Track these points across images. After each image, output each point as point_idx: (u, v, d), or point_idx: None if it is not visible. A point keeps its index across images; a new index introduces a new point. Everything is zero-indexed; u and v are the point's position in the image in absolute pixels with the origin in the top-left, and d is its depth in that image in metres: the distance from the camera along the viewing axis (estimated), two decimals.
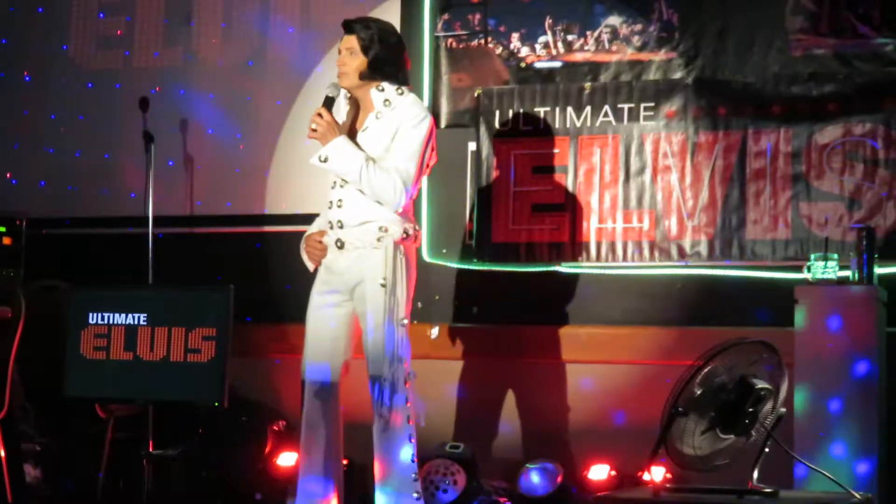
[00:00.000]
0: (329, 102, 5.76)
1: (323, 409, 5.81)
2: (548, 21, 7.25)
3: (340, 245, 5.74)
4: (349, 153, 5.65)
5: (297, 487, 5.86)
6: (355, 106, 5.87)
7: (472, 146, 7.30)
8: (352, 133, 5.79)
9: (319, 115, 5.69)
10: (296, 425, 7.29)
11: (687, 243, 6.89)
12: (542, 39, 7.26)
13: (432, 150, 5.81)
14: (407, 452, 5.71)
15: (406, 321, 5.68)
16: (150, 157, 7.14)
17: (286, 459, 7.11)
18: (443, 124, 7.35)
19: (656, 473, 5.62)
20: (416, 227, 5.78)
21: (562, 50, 7.23)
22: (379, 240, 5.65)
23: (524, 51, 7.29)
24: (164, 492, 6.64)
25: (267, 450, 7.03)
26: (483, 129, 7.25)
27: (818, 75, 6.74)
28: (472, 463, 6.85)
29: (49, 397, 6.69)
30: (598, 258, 7.02)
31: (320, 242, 5.82)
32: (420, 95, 7.35)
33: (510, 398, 7.15)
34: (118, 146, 7.86)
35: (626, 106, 7.06)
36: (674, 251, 6.91)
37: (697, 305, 6.87)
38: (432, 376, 7.26)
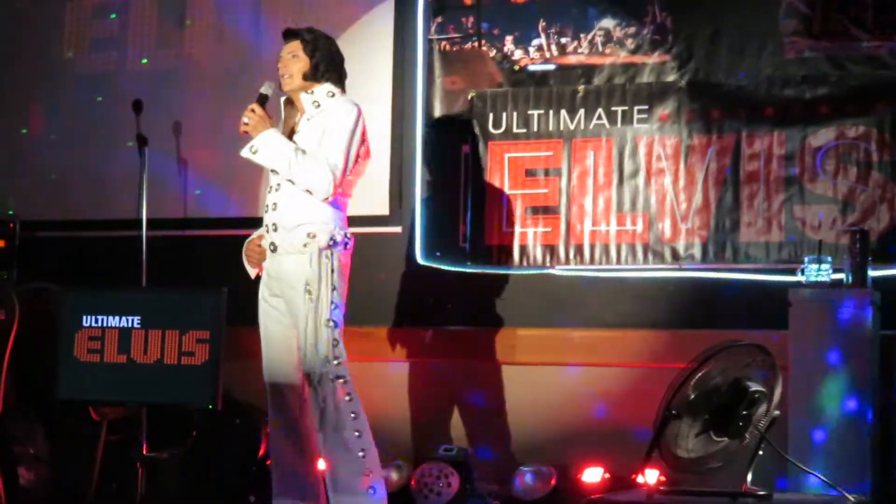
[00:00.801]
0: (262, 99, 5.82)
1: (288, 414, 5.81)
2: (541, 24, 7.25)
3: (273, 248, 5.79)
4: (278, 144, 5.70)
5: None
6: (294, 110, 5.93)
7: (465, 149, 7.30)
8: (289, 137, 5.83)
9: (252, 110, 5.75)
10: None
11: (681, 246, 6.90)
12: (535, 42, 7.26)
13: (363, 142, 5.81)
14: (350, 449, 5.68)
15: (332, 323, 5.66)
16: (144, 159, 7.13)
17: None
18: (436, 127, 7.34)
19: (650, 476, 5.61)
20: (348, 234, 5.80)
21: (555, 53, 7.23)
22: (305, 245, 5.69)
23: (518, 54, 7.29)
24: (157, 494, 6.63)
25: (260, 452, 7.02)
26: (477, 132, 7.25)
27: (811, 78, 6.74)
28: (465, 466, 6.85)
29: (42, 400, 6.68)
30: (592, 261, 7.02)
31: (259, 246, 5.86)
32: (413, 98, 7.38)
33: (503, 400, 7.14)
34: (112, 149, 7.85)
35: (619, 109, 7.06)
36: (667, 254, 6.91)
37: (691, 308, 6.86)
38: (425, 379, 7.28)
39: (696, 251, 6.86)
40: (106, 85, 8.02)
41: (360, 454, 5.68)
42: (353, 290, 7.31)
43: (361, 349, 7.28)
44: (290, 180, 5.70)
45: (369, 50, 7.52)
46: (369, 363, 7.31)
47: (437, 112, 7.39)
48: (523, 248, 7.14)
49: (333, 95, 5.83)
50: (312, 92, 5.82)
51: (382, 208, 7.42)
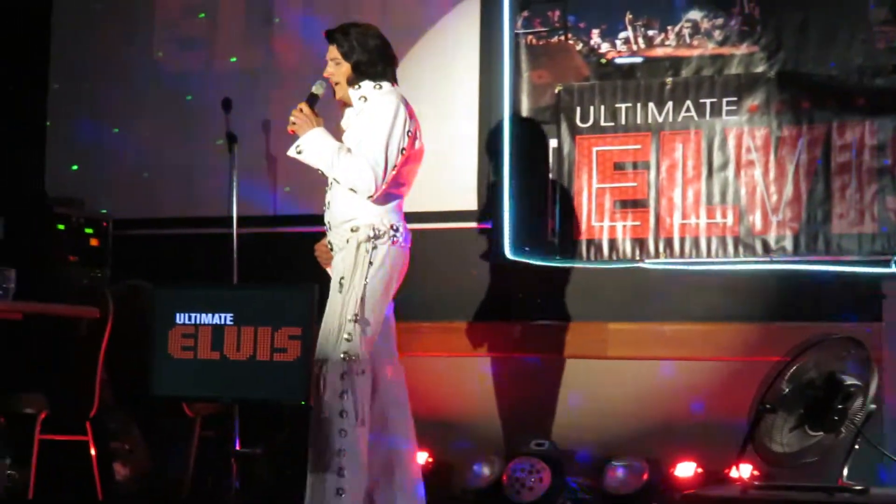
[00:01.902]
0: (312, 98, 5.81)
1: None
2: (628, 16, 7.22)
3: (330, 247, 5.79)
4: (322, 143, 5.68)
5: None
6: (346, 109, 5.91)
7: (553, 143, 7.29)
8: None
9: (300, 109, 5.75)
10: None
11: (772, 238, 6.84)
12: (622, 35, 7.23)
13: (411, 137, 5.71)
14: (332, 441, 5.52)
15: (355, 317, 5.55)
16: (234, 157, 7.18)
17: None
18: (523, 121, 7.34)
19: (744, 470, 5.58)
20: (397, 227, 5.68)
21: (642, 45, 7.20)
22: (347, 241, 5.66)
23: (604, 47, 7.26)
24: (251, 489, 6.69)
25: None
26: (564, 126, 7.23)
27: None
28: (557, 460, 6.85)
29: (137, 396, 6.76)
30: (682, 254, 6.99)
31: (325, 246, 5.86)
32: (500, 93, 7.37)
33: (594, 395, 7.12)
34: (202, 147, 7.91)
35: (708, 101, 7.02)
36: (758, 246, 6.86)
37: (783, 301, 6.80)
38: (516, 373, 7.28)
39: (788, 243, 6.81)
40: (195, 84, 8.08)
41: (338, 451, 5.54)
42: (441, 285, 7.37)
43: (451, 344, 7.32)
44: (335, 180, 5.69)
45: (455, 46, 7.54)
46: (459, 358, 7.34)
47: (525, 107, 7.38)
48: (612, 242, 7.12)
49: (381, 87, 5.78)
50: (360, 87, 5.78)
51: (470, 203, 7.43)
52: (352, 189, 5.62)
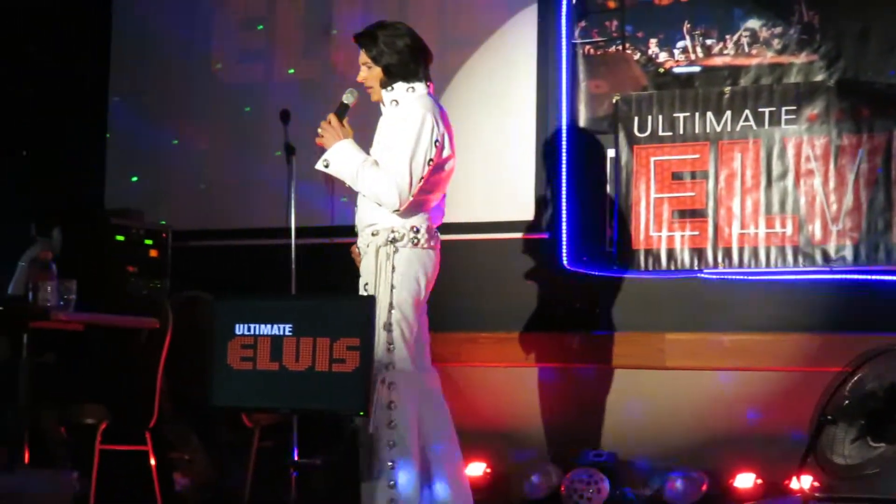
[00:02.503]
0: (342, 109, 5.78)
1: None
2: (686, 26, 7.19)
3: (359, 251, 5.80)
4: (348, 156, 5.65)
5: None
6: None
7: (611, 153, 7.28)
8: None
9: (328, 121, 5.73)
10: None
11: (831, 248, 6.80)
12: (680, 44, 7.21)
13: (438, 147, 5.64)
14: (382, 454, 5.57)
15: (388, 326, 5.59)
16: (292, 168, 7.19)
17: None
18: (581, 131, 7.33)
19: (804, 482, 5.54)
20: (420, 230, 5.64)
21: (700, 54, 7.17)
22: (368, 245, 5.68)
23: (662, 56, 7.24)
24: (309, 500, 6.69)
25: None
26: (622, 136, 7.22)
27: None
28: (615, 471, 6.83)
29: (196, 406, 6.79)
30: (741, 264, 6.95)
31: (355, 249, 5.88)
32: (557, 103, 7.36)
33: (652, 405, 7.10)
34: (260, 158, 7.95)
35: (766, 110, 6.98)
36: (818, 256, 6.82)
37: (843, 311, 6.75)
38: (573, 384, 7.26)
39: (848, 253, 6.76)
40: (254, 95, 8.12)
41: (389, 464, 5.57)
42: (499, 295, 7.37)
43: (509, 355, 7.32)
44: (362, 194, 5.69)
45: (513, 55, 7.54)
46: (517, 368, 7.33)
47: (582, 116, 7.37)
48: (671, 252, 7.09)
49: (413, 90, 5.73)
50: (392, 89, 5.73)
51: (528, 213, 7.42)
52: (377, 203, 5.63)
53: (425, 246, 5.69)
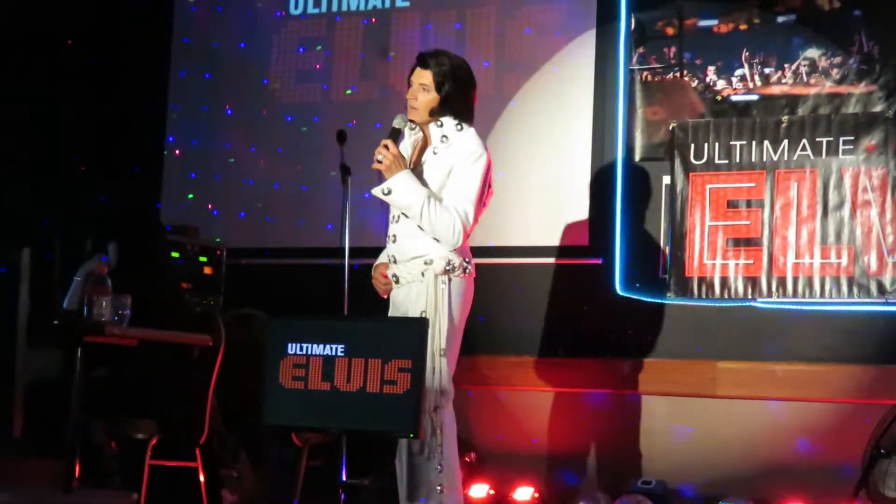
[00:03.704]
0: (395, 134, 5.77)
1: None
2: (744, 54, 7.18)
3: (395, 280, 5.82)
4: (412, 188, 5.65)
5: None
6: (420, 140, 5.87)
7: (666, 179, 7.26)
8: (414, 165, 5.80)
9: (386, 146, 5.70)
10: (486, 457, 7.34)
11: (887, 280, 6.76)
12: (738, 72, 7.19)
13: (489, 186, 5.74)
14: (430, 477, 5.61)
15: (443, 351, 5.62)
16: (347, 189, 7.21)
17: (477, 491, 7.14)
18: (637, 157, 7.34)
19: None
20: (468, 261, 5.72)
21: (759, 83, 7.15)
22: (423, 274, 5.68)
23: (720, 84, 7.23)
24: None
25: None
26: (678, 163, 7.20)
27: None
28: (663, 499, 6.80)
29: (246, 424, 6.81)
30: (795, 293, 6.91)
31: (385, 276, 5.88)
32: (614, 129, 7.36)
33: (702, 433, 7.08)
34: (315, 178, 7.99)
35: (824, 139, 6.96)
36: (873, 288, 6.77)
37: None
38: (623, 410, 7.24)
39: None
40: (311, 115, 8.16)
41: (438, 488, 5.59)
42: (552, 319, 7.37)
43: (559, 379, 7.31)
44: (419, 226, 5.69)
45: (570, 81, 7.54)
46: (567, 393, 7.32)
47: (638, 143, 7.36)
48: (724, 280, 7.06)
49: (462, 129, 5.74)
50: (441, 124, 5.75)
51: (582, 239, 7.41)
52: (435, 238, 5.66)
53: (471, 275, 5.76)
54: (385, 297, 5.99)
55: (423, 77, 5.76)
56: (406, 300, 5.79)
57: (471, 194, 5.64)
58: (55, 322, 6.01)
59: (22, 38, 8.29)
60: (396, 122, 5.82)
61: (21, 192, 7.89)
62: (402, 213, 5.76)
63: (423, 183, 5.72)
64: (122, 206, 8.17)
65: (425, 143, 5.85)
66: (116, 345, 6.11)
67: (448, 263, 5.66)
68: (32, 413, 5.10)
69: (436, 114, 5.74)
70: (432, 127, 5.78)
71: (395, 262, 5.84)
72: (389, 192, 5.71)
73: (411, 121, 5.83)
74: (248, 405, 6.22)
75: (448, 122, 5.74)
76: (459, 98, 5.74)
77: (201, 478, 6.56)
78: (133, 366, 6.51)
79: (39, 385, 5.92)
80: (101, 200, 8.24)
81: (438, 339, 5.61)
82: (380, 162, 5.71)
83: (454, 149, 5.71)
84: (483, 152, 5.70)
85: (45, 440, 5.97)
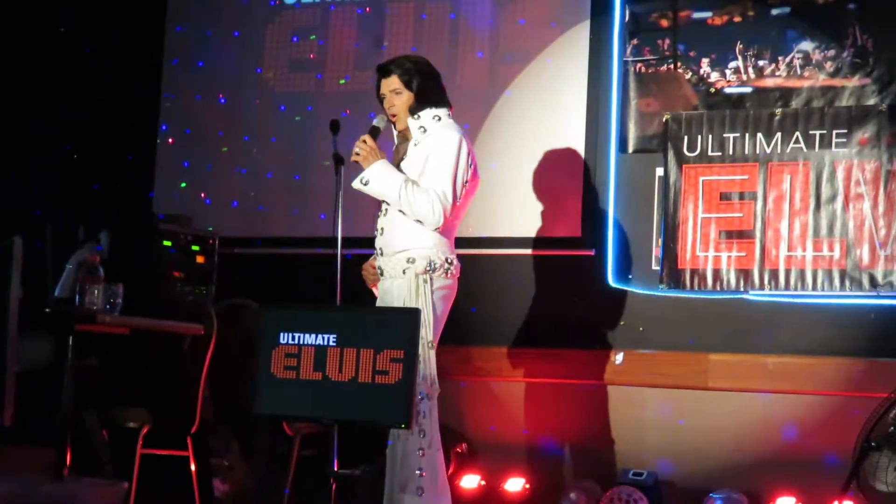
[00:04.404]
0: (374, 131, 5.91)
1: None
2: (738, 46, 7.18)
3: (381, 272, 5.92)
4: (389, 176, 5.77)
5: None
6: (404, 140, 5.96)
7: (659, 171, 7.26)
8: (399, 164, 5.89)
9: (363, 141, 5.84)
10: (478, 448, 7.35)
11: (879, 273, 6.76)
12: (732, 65, 7.19)
13: (472, 170, 5.83)
14: (411, 461, 5.72)
15: (430, 345, 5.72)
16: (340, 178, 7.20)
17: (468, 482, 7.15)
18: (630, 149, 7.34)
19: None
20: (451, 260, 5.80)
21: (752, 75, 7.15)
22: (404, 271, 5.77)
23: (714, 76, 7.23)
24: None
25: (449, 472, 7.05)
26: (671, 155, 7.20)
27: None
28: (654, 490, 6.81)
29: (237, 414, 6.81)
30: (787, 286, 6.92)
31: (374, 266, 5.99)
32: (607, 120, 7.36)
33: (694, 425, 7.08)
34: (309, 168, 7.98)
35: (817, 132, 6.95)
36: (865, 281, 6.78)
37: (889, 337, 6.73)
38: (615, 402, 7.24)
39: (895, 278, 6.72)
40: (304, 105, 8.15)
41: (418, 472, 5.68)
42: (544, 311, 7.36)
43: (552, 370, 7.31)
44: (401, 210, 5.78)
45: (564, 72, 7.54)
46: (559, 384, 7.32)
47: (631, 134, 7.36)
48: (716, 273, 7.06)
49: (439, 119, 5.85)
50: (419, 117, 5.86)
51: (574, 230, 7.41)
52: (418, 220, 5.73)
53: (454, 275, 5.84)
54: (372, 287, 6.02)
55: (391, 83, 5.91)
56: (388, 294, 5.89)
57: (446, 175, 5.73)
58: (47, 310, 6.00)
59: (15, 26, 8.27)
60: (377, 122, 5.97)
61: (13, 180, 7.87)
62: (387, 205, 5.82)
63: (409, 173, 5.80)
64: (114, 194, 8.16)
65: (406, 144, 5.95)
66: (108, 333, 6.11)
67: (430, 264, 5.75)
68: (24, 401, 5.09)
69: (414, 110, 5.86)
70: (410, 122, 5.89)
71: (381, 254, 5.92)
72: (367, 183, 5.82)
73: (399, 130, 5.95)
74: (240, 395, 6.22)
75: (425, 114, 5.86)
76: (432, 87, 5.89)
77: (192, 467, 6.55)
78: (125, 355, 6.50)
79: (31, 373, 5.91)
80: (93, 189, 8.23)
81: (425, 332, 5.66)
82: (357, 154, 5.85)
83: (431, 138, 5.82)
84: (459, 136, 5.79)
85: (37, 428, 5.96)
